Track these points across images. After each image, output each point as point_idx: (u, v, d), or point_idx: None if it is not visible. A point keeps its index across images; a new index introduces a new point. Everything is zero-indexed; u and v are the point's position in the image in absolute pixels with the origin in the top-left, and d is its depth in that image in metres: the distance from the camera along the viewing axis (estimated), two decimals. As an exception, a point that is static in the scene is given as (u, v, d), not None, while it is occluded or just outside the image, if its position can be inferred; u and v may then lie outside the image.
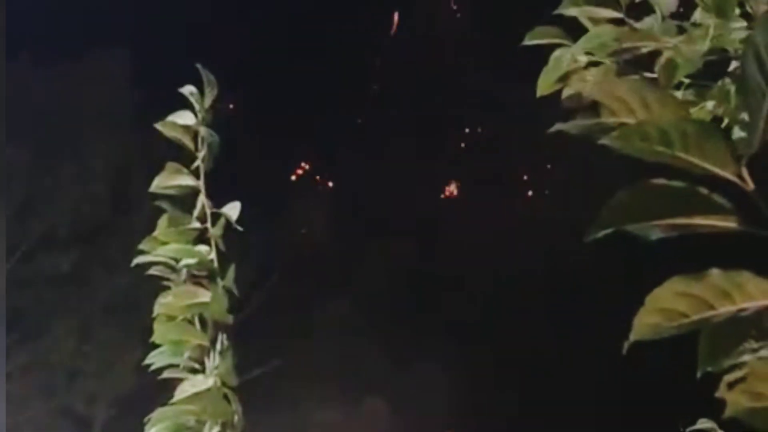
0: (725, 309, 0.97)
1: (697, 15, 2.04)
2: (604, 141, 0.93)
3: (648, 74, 2.01)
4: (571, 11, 1.90)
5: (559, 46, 1.93)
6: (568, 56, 1.89)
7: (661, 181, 0.97)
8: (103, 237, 17.93)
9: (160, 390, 2.54)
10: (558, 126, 1.03)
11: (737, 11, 2.06)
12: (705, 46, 1.92)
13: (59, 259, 17.30)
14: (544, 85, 1.94)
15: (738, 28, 2.04)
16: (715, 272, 0.98)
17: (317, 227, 20.87)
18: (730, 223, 0.98)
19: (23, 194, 17.21)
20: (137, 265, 2.51)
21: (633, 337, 0.97)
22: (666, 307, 0.96)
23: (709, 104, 2.03)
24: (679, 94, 2.02)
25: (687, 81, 2.01)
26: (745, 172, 0.98)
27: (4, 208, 13.41)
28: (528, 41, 1.97)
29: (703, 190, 0.98)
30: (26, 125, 17.61)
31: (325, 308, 20.26)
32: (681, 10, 2.07)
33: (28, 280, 17.18)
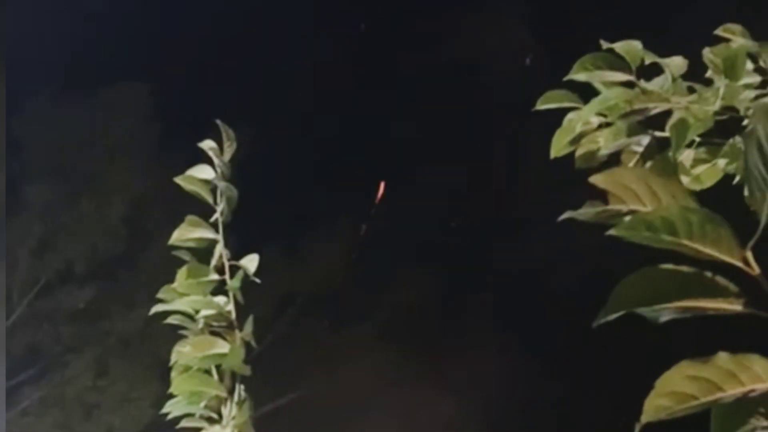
0: (733, 391, 1.00)
1: (708, 74, 2.07)
2: (611, 232, 0.97)
3: (659, 133, 2.04)
4: (581, 76, 1.94)
5: (571, 109, 1.97)
6: (580, 119, 1.93)
7: (669, 265, 1.00)
8: (119, 272, 18.02)
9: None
10: (568, 214, 1.06)
11: (751, 66, 2.09)
12: (716, 106, 1.95)
13: (76, 295, 17.41)
14: (557, 147, 1.99)
15: (750, 85, 2.07)
16: (722, 355, 1.00)
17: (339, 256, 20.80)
18: (736, 306, 1.01)
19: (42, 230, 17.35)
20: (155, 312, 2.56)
21: (644, 419, 1.00)
22: (676, 390, 0.99)
23: (721, 162, 2.06)
24: (691, 152, 2.05)
25: (698, 139, 2.04)
26: (750, 257, 1.01)
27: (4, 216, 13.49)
28: (540, 106, 2.01)
29: (709, 274, 1.01)
30: (44, 161, 17.79)
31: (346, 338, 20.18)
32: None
33: (45, 315, 17.29)
